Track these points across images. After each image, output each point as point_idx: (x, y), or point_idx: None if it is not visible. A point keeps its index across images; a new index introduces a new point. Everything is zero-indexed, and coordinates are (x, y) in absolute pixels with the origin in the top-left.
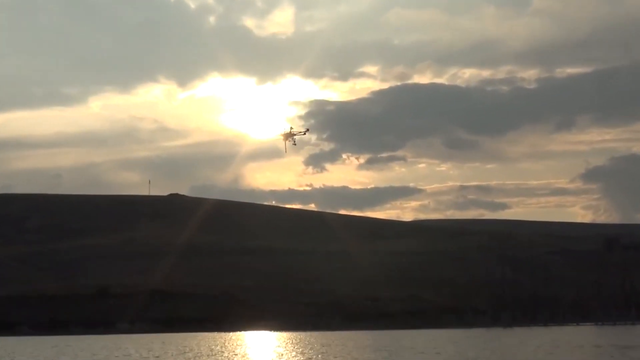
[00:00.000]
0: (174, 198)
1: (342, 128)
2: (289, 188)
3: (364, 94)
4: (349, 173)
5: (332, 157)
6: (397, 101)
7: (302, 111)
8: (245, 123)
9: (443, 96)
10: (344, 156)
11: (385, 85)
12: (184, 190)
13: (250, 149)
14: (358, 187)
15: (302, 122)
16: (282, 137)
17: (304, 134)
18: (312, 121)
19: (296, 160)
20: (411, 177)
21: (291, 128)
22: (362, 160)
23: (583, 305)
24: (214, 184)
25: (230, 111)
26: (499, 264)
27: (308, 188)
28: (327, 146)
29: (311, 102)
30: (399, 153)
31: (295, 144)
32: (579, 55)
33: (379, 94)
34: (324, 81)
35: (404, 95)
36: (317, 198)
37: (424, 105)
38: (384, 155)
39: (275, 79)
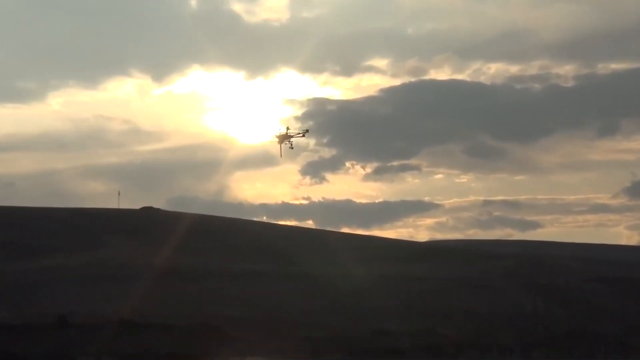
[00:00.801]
0: (148, 212)
1: (345, 131)
2: (283, 202)
3: (371, 91)
4: (353, 184)
5: (334, 165)
6: (411, 100)
7: (299, 111)
8: (232, 125)
9: (464, 95)
10: (348, 164)
11: (396, 82)
12: (159, 203)
13: (238, 155)
14: (364, 201)
15: (298, 124)
16: (277, 140)
17: (303, 135)
18: (311, 123)
19: (291, 169)
20: (426, 190)
21: (287, 129)
22: (368, 170)
23: (629, 342)
24: (195, 196)
25: (214, 111)
26: (529, 294)
27: (305, 202)
28: (327, 152)
29: (309, 100)
30: (413, 161)
31: (292, 148)
32: (625, 48)
33: (389, 92)
34: (324, 76)
35: (418, 93)
36: (315, 214)
37: (442, 105)
38: (395, 163)
39: (267, 73)
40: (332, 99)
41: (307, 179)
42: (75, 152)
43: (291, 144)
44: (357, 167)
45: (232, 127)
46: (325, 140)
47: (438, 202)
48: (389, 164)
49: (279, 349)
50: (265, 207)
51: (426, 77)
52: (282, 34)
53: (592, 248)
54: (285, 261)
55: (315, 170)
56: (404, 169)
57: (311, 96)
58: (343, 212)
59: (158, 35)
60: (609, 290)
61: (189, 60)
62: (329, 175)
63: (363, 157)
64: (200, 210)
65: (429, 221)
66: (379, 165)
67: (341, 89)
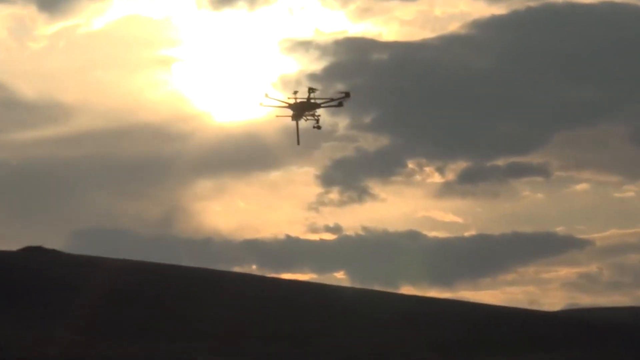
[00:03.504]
0: (35, 257)
1: (405, 102)
2: (288, 236)
3: (452, 26)
4: (421, 202)
5: (385, 166)
6: (528, 43)
7: (316, 65)
8: (198, 90)
9: (631, 31)
10: (411, 165)
11: (499, 8)
12: (55, 241)
13: (206, 146)
14: (441, 234)
15: (316, 91)
16: (288, 112)
17: (340, 104)
18: (339, 86)
19: (304, 175)
20: (560, 213)
21: (311, 91)
22: (450, 175)
23: None
24: (122, 228)
25: (160, 65)
26: None
27: (330, 236)
28: (372, 142)
29: (336, 44)
30: (534, 159)
31: (319, 127)
32: None
33: (486, 28)
34: (361, 0)
35: (542, 29)
36: (350, 259)
37: (588, 51)
38: (500, 163)
39: None
40: (379, 42)
41: (335, 193)
42: None
43: (317, 120)
44: (429, 169)
45: (196, 95)
46: (367, 120)
47: (582, 235)
48: (488, 164)
49: None
50: (255, 247)
51: (557, 0)
52: None
53: None
54: (294, 349)
55: (349, 176)
56: (516, 172)
57: (339, 36)
58: (402, 255)
59: None
60: None
61: None
62: (375, 186)
63: (439, 151)
64: (134, 255)
65: (566, 272)
66: (469, 166)
67: (395, 22)
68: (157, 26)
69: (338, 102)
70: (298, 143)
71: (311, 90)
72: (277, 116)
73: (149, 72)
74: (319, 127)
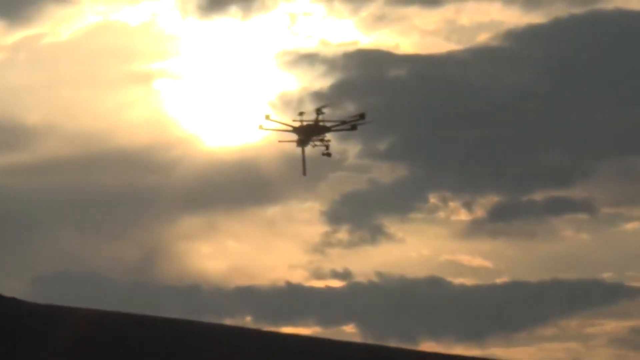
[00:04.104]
0: None
1: (426, 127)
2: (288, 283)
3: (482, 37)
4: (444, 243)
5: (403, 201)
6: (572, 57)
7: (322, 82)
8: (184, 111)
9: None
10: (433, 199)
11: (537, 17)
12: (16, 287)
13: (195, 176)
14: (470, 281)
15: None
16: (292, 136)
17: (354, 127)
18: (349, 107)
19: (308, 211)
20: (607, 257)
21: (320, 111)
22: (479, 212)
23: None
24: (95, 272)
25: (142, 83)
26: None
27: (337, 284)
28: (388, 173)
29: (345, 57)
30: (576, 193)
31: (329, 154)
32: None
33: (522, 39)
34: (375, 7)
35: (589, 42)
36: (362, 310)
37: None
38: (537, 198)
39: (250, 5)
40: (396, 55)
41: (343, 232)
42: None
43: (327, 147)
44: (454, 205)
45: (183, 117)
46: (382, 147)
47: (633, 283)
48: (523, 199)
49: None
50: (250, 296)
51: (605, 6)
52: None
53: None
54: None
55: (360, 212)
56: (556, 209)
57: (349, 48)
58: (422, 306)
59: None
60: None
61: None
62: (391, 224)
63: (466, 183)
64: (108, 304)
65: (615, 325)
66: (500, 201)
67: (415, 32)
68: (136, 35)
69: (351, 125)
70: (304, 173)
71: (319, 111)
72: (279, 141)
73: (127, 89)
74: (328, 154)
